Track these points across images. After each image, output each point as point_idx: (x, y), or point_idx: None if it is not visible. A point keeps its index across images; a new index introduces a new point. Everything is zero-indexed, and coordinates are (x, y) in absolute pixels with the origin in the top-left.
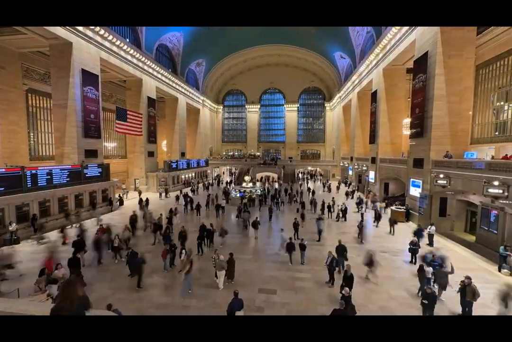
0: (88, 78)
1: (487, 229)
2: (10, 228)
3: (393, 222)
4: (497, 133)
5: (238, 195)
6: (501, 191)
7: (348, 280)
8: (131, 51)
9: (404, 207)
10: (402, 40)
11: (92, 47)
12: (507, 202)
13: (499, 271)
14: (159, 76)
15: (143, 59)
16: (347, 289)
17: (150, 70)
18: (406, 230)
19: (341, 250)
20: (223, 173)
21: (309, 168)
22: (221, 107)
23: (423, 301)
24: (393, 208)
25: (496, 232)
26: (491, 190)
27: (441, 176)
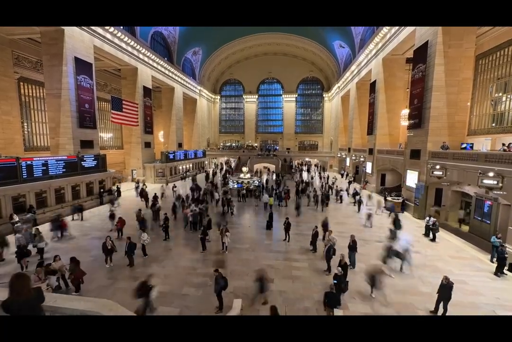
0: (82, 66)
1: (480, 219)
2: (12, 220)
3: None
4: (494, 124)
5: (235, 186)
6: (495, 182)
7: (342, 268)
8: (126, 39)
9: (400, 198)
10: (403, 29)
11: (85, 34)
12: (501, 192)
13: (491, 261)
14: (155, 65)
15: (138, 47)
16: (339, 268)
17: (146, 59)
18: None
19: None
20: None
21: (307, 159)
22: (218, 97)
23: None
24: (389, 198)
25: (489, 222)
26: (485, 181)
27: (437, 167)
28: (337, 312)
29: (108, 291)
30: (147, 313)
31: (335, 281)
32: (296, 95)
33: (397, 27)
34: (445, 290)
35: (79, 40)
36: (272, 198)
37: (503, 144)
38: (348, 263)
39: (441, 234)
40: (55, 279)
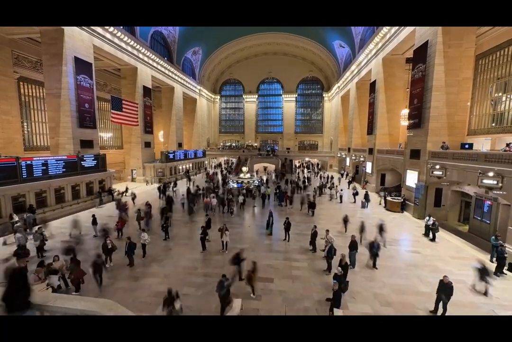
0: (82, 66)
1: (480, 219)
2: (12, 220)
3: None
4: (493, 124)
5: (235, 186)
6: (495, 182)
7: (343, 268)
8: (125, 39)
9: (399, 198)
10: (402, 29)
11: (84, 33)
12: (501, 192)
13: (491, 261)
14: (155, 64)
15: (138, 47)
16: (339, 268)
17: (145, 59)
18: (400, 220)
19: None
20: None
21: (307, 159)
22: (218, 97)
23: None
24: (389, 198)
25: (488, 222)
26: (485, 181)
27: (437, 166)
28: (337, 312)
29: (108, 291)
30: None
31: (335, 281)
32: (296, 95)
33: (397, 27)
34: (445, 290)
35: (79, 39)
36: (269, 189)
37: (507, 145)
38: (349, 262)
39: (441, 233)
40: (57, 278)
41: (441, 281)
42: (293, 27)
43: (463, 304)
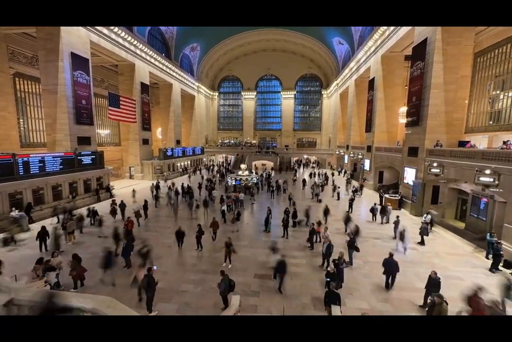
0: (78, 62)
1: (476, 216)
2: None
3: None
4: (491, 122)
5: (234, 183)
6: (492, 180)
7: (337, 263)
8: (122, 34)
9: (397, 195)
10: (402, 26)
11: (81, 29)
12: (497, 190)
13: (487, 257)
14: (152, 60)
15: (135, 42)
16: (331, 265)
17: (143, 55)
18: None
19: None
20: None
21: (305, 156)
22: (217, 94)
23: None
24: (387, 195)
25: (485, 219)
26: (482, 178)
27: (435, 164)
28: (334, 308)
29: (107, 288)
30: None
31: (328, 279)
32: (295, 92)
33: None
34: (433, 285)
35: (76, 35)
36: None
37: (504, 142)
38: (347, 260)
39: (438, 230)
40: (54, 275)
41: (429, 276)
42: None
43: (459, 300)
